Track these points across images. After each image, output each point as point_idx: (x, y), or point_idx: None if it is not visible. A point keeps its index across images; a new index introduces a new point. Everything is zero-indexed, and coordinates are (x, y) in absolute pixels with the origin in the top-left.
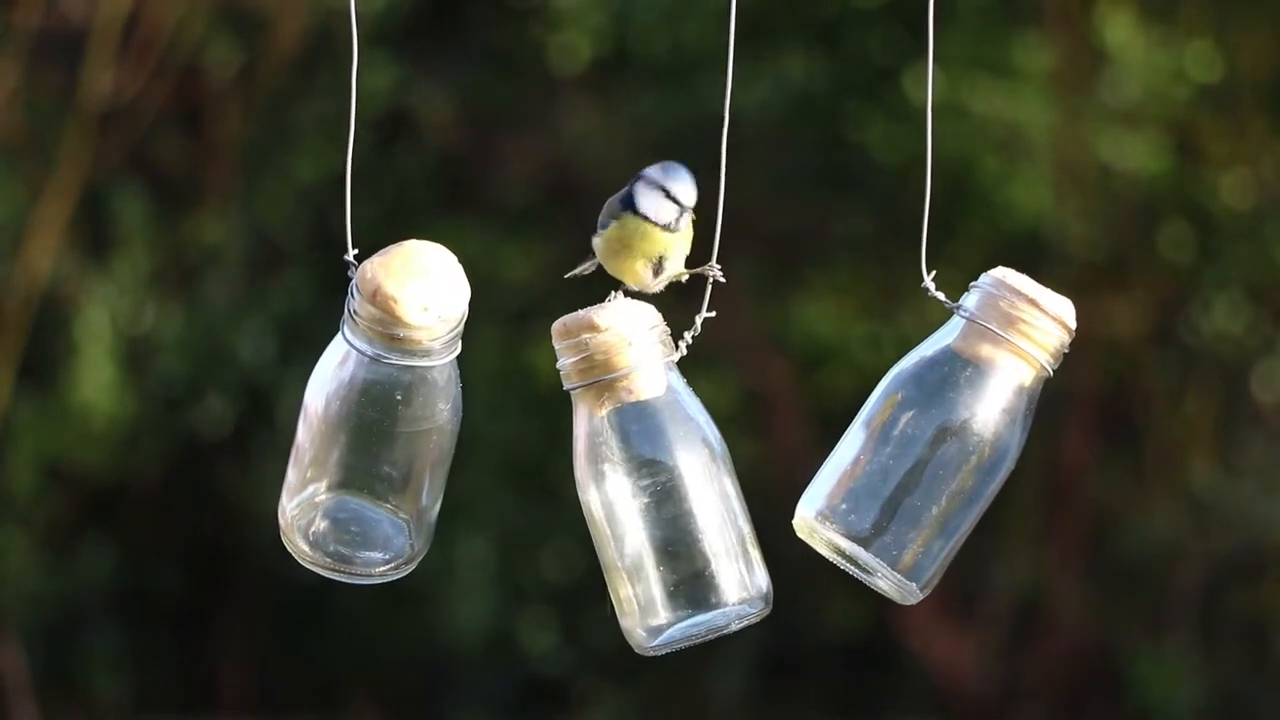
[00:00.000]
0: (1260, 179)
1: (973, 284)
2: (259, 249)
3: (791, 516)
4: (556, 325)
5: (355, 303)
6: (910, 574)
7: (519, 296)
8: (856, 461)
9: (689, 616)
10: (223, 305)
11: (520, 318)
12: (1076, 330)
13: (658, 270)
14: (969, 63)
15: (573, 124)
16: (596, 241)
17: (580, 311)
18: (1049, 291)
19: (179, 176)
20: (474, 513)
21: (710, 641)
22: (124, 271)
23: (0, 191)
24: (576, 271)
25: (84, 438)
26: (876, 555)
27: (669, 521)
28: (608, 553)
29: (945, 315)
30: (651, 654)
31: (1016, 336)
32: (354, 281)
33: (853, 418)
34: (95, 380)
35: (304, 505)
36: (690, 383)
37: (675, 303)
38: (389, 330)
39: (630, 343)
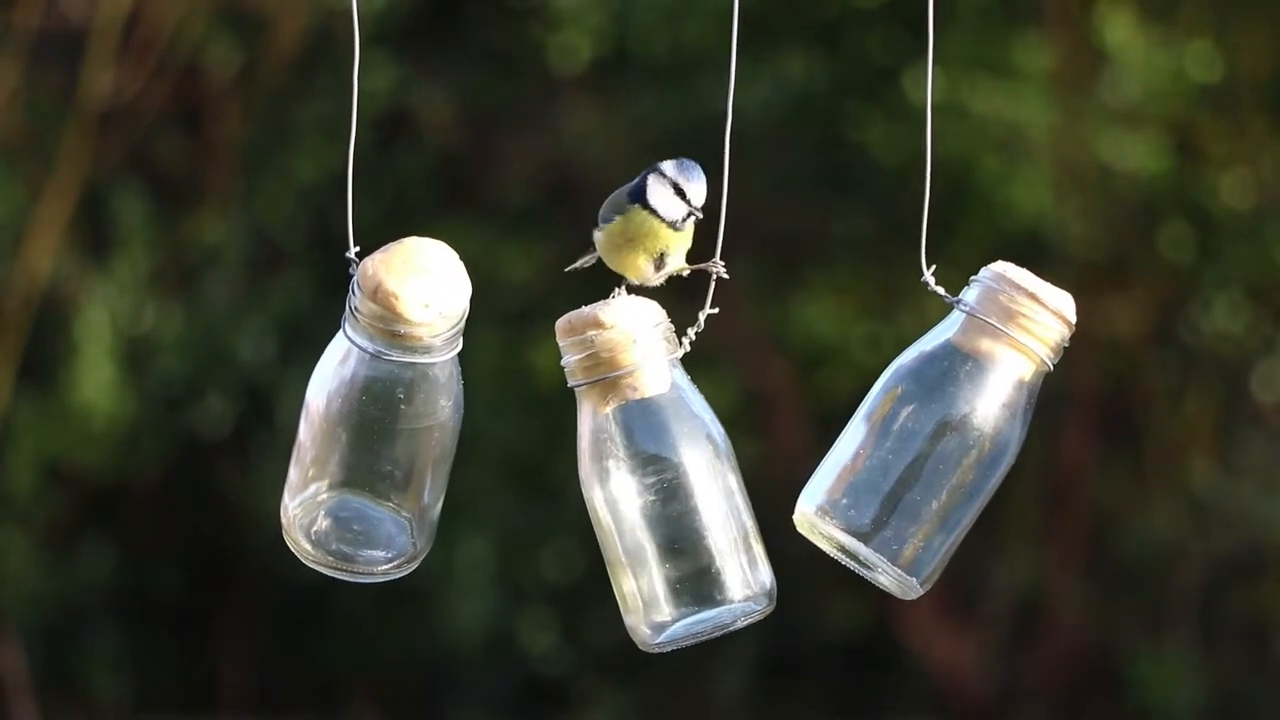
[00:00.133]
0: (1260, 179)
1: (972, 278)
2: (259, 249)
3: (792, 516)
4: (561, 322)
5: (356, 300)
6: (910, 569)
7: (519, 296)
8: (857, 456)
9: (693, 613)
10: (223, 305)
11: (520, 317)
12: (1076, 330)
13: (659, 265)
14: (969, 63)
15: (573, 124)
16: (598, 235)
17: (585, 308)
18: (1049, 286)
19: (179, 176)
20: (474, 512)
21: (711, 641)
22: (124, 271)
23: (0, 191)
24: (576, 265)
25: (84, 438)
26: (877, 550)
27: (673, 518)
28: (612, 550)
29: (945, 313)
30: (656, 651)
31: (1016, 331)
32: (355, 278)
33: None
34: (95, 380)
35: (306, 504)
36: (691, 381)
37: (677, 300)
38: (390, 327)
39: (635, 340)
